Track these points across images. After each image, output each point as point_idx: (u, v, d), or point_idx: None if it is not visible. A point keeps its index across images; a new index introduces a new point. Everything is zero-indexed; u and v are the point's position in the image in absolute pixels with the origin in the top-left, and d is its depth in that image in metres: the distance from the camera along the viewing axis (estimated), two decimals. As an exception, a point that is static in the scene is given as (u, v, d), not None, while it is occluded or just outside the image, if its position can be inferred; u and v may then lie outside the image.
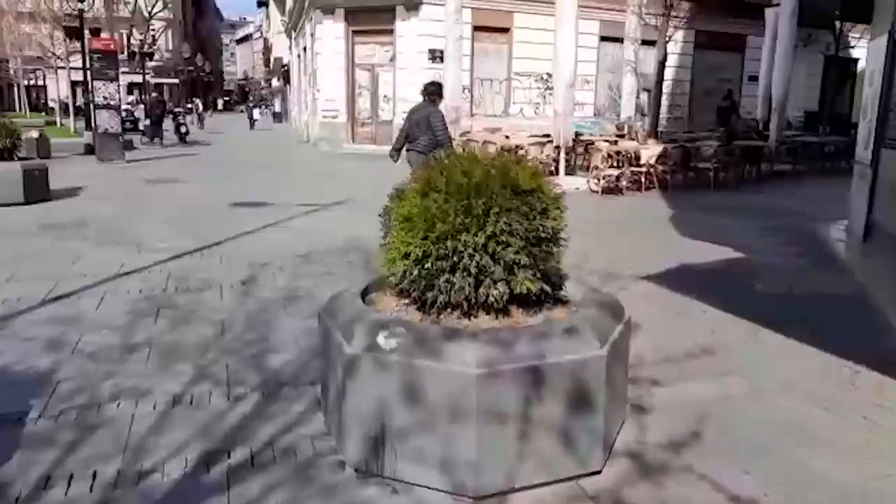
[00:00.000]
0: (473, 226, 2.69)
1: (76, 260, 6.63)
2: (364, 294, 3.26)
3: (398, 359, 2.55)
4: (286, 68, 43.03)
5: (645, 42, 20.78)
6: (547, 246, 2.86)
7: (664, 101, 22.65)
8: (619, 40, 21.08)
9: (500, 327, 2.76)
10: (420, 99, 8.32)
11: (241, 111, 53.13)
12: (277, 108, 52.68)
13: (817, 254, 7.44)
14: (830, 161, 16.05)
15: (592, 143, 13.72)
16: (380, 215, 3.33)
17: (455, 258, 2.72)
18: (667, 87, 22.90)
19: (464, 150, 3.48)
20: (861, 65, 29.58)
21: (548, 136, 16.77)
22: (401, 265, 2.83)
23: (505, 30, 20.61)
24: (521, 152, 13.65)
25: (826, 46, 26.98)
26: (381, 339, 2.61)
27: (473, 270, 2.71)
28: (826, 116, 25.40)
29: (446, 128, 8.05)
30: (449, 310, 2.86)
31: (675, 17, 19.99)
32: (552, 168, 13.77)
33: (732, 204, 10.94)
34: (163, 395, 3.59)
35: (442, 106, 15.51)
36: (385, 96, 20.47)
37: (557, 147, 12.70)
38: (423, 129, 7.96)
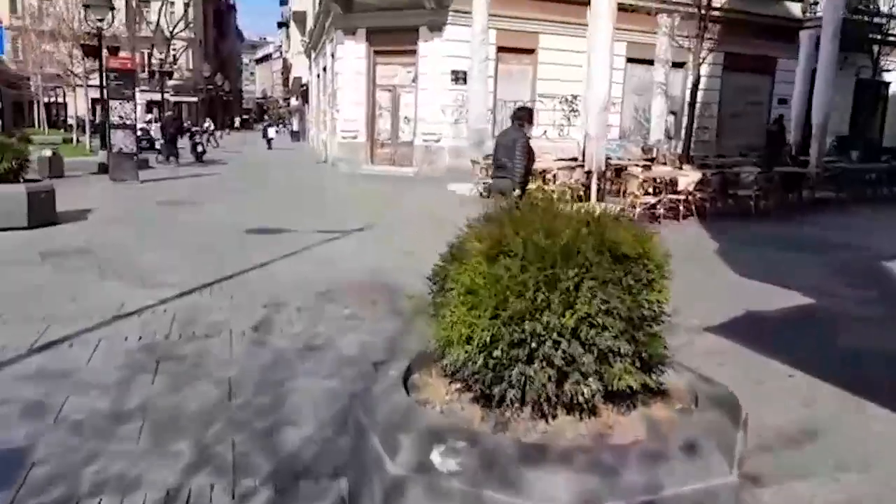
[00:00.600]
0: (560, 303, 2.03)
1: (73, 297, 6.02)
2: (407, 374, 2.58)
3: (461, 487, 1.87)
4: (305, 88, 42.83)
5: (673, 64, 20.21)
6: (650, 326, 2.18)
7: (695, 124, 22.01)
8: (646, 62, 20.53)
9: (590, 435, 2.08)
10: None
11: (259, 129, 53.00)
12: (295, 128, 52.50)
13: None
14: (872, 188, 15.27)
15: (625, 169, 13.05)
16: (428, 278, 2.65)
17: (533, 344, 2.05)
18: (698, 110, 22.26)
19: (541, 194, 2.81)
20: (893, 88, 28.85)
21: (574, 159, 16.16)
22: (461, 351, 2.15)
23: (530, 51, 20.05)
24: (548, 176, 13.02)
25: (858, 70, 26.23)
26: (436, 456, 1.94)
27: (558, 361, 2.04)
28: (858, 141, 24.61)
29: (526, 159, 7.67)
30: (517, 404, 2.18)
31: (707, 38, 19.42)
32: (580, 193, 13.13)
33: (781, 235, 10.19)
34: (154, 489, 2.93)
35: (465, 128, 14.94)
36: (406, 117, 19.94)
37: (589, 172, 12.02)
38: (512, 156, 7.61)
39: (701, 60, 17.33)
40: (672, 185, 11.16)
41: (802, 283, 6.87)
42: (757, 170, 12.58)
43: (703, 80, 22.62)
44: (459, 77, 18.88)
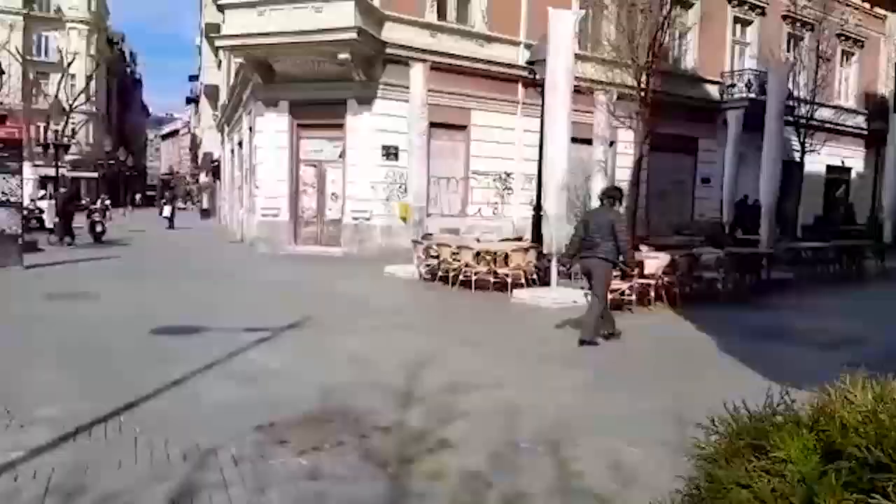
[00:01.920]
0: None
1: None
2: None
3: None
4: (216, 163, 40.91)
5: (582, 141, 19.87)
6: None
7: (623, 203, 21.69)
8: (583, 141, 20.19)
9: None
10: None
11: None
12: (206, 205, 50.07)
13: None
14: (822, 266, 14.96)
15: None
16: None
17: None
18: (626, 188, 22.02)
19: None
20: (810, 168, 30.03)
21: (519, 238, 15.18)
22: None
23: (462, 127, 19.31)
24: (499, 259, 11.87)
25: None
26: None
27: None
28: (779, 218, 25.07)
29: (628, 236, 7.90)
30: None
31: (630, 118, 19.30)
32: (533, 277, 12.01)
33: (772, 325, 9.28)
34: None
35: (411, 203, 13.62)
36: (333, 194, 18.56)
37: (545, 254, 10.94)
38: (605, 235, 7.58)
39: (645, 137, 16.95)
40: (639, 268, 10.17)
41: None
42: (718, 251, 11.87)
43: (630, 160, 22.56)
44: (391, 152, 17.83)
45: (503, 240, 14.69)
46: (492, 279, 11.65)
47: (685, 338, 8.35)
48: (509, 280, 11.42)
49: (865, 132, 30.77)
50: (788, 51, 28.34)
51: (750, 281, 12.74)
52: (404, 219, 17.49)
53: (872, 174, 31.52)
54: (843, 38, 29.35)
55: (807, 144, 24.89)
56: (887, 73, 31.67)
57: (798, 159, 29.44)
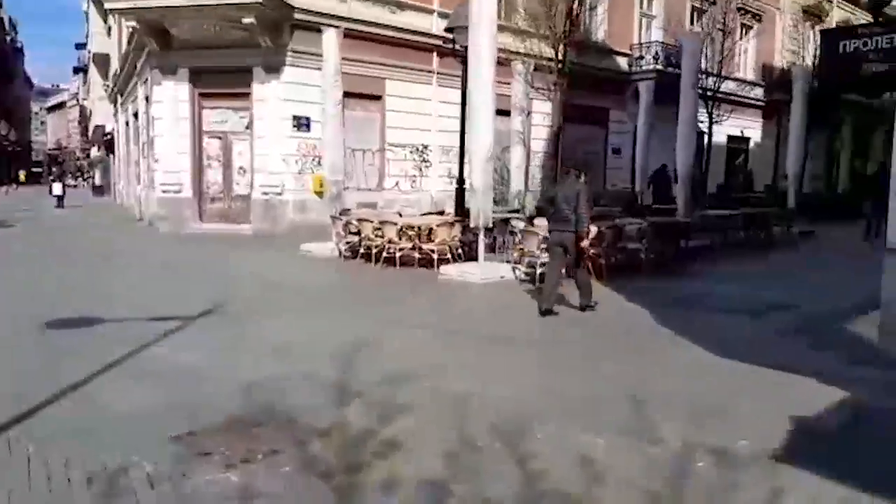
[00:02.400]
0: None
1: None
2: None
3: None
4: (109, 137, 38.21)
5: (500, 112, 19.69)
6: None
7: (537, 174, 21.71)
8: (500, 112, 19.94)
9: None
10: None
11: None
12: (98, 181, 46.95)
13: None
14: (732, 233, 15.33)
15: (507, 222, 11.81)
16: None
17: None
18: (538, 160, 22.05)
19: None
20: (713, 138, 31.01)
21: (441, 212, 14.76)
22: None
23: (377, 97, 18.59)
24: (425, 234, 11.41)
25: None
26: None
27: None
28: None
29: (590, 210, 8.10)
30: None
31: (548, 89, 19.20)
32: (459, 251, 11.65)
33: (699, 294, 9.30)
34: None
35: (328, 177, 12.88)
36: (241, 168, 17.51)
37: (474, 228, 10.58)
38: (574, 207, 7.74)
39: (562, 110, 16.84)
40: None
41: (790, 363, 5.74)
42: (640, 221, 11.87)
43: (545, 131, 22.53)
44: (302, 123, 16.95)
45: (425, 214, 14.24)
46: (417, 255, 11.19)
47: (621, 311, 8.20)
48: (435, 256, 11.00)
49: (763, 103, 32.05)
50: (692, 24, 29.05)
51: (670, 250, 12.83)
52: (319, 193, 16.75)
53: (771, 144, 33.04)
54: (742, 11, 30.34)
55: (713, 115, 25.65)
56: (783, 46, 33.01)
57: (706, 130, 30.54)
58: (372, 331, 6.90)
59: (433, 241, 11.15)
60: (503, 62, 17.90)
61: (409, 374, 5.36)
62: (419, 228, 11.26)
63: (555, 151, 17.56)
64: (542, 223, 11.59)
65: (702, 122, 29.96)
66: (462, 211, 13.49)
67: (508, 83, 18.29)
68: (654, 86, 20.81)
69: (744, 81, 30.25)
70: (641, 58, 25.85)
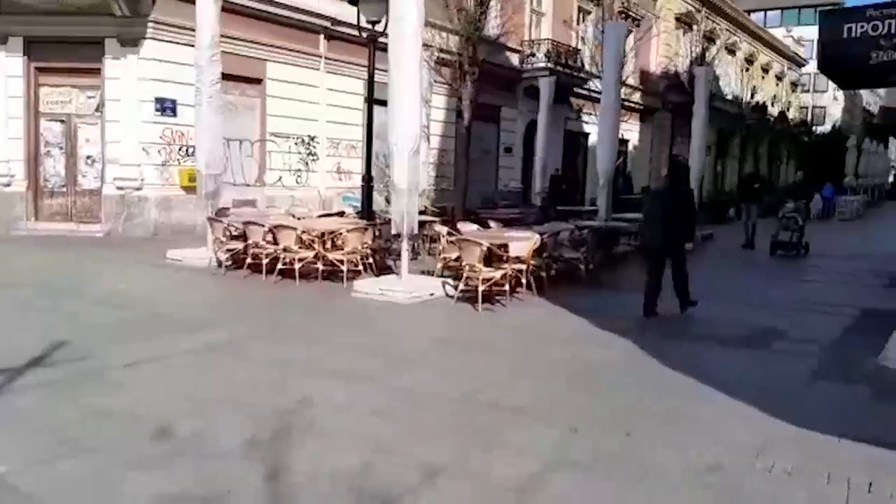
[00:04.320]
0: None
1: None
2: None
3: None
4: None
5: None
6: None
7: (432, 172, 20.24)
8: (384, 103, 18.15)
9: None
10: None
11: None
12: None
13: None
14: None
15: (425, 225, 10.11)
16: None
17: None
18: (433, 157, 20.55)
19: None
20: (592, 139, 30.93)
21: (341, 213, 12.88)
22: None
23: (256, 81, 16.26)
24: (334, 241, 9.49)
25: (565, 121, 27.50)
26: None
27: None
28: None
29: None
30: None
31: (446, 83, 17.89)
32: (370, 262, 9.83)
33: (669, 318, 8.07)
34: None
35: (202, 170, 11.00)
36: (89, 157, 14.60)
37: (395, 235, 8.84)
38: (681, 211, 7.66)
39: (470, 103, 15.46)
40: (503, 250, 8.41)
41: (845, 425, 4.48)
42: (572, 227, 10.63)
43: (440, 126, 21.09)
44: (167, 107, 14.36)
45: (323, 215, 12.24)
46: (320, 266, 9.24)
47: (582, 337, 6.74)
48: (344, 268, 9.11)
49: (641, 107, 32.42)
50: (577, 24, 28.73)
51: (599, 258, 11.70)
52: (188, 188, 14.27)
53: (647, 146, 33.61)
54: (623, 15, 30.46)
55: (594, 117, 25.33)
56: (657, 52, 33.64)
57: (588, 131, 30.39)
58: (285, 387, 4.97)
59: (342, 249, 9.24)
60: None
61: (382, 474, 3.55)
62: (324, 234, 9.31)
63: (465, 148, 16.03)
64: (468, 228, 10.07)
65: (586, 122, 30.06)
66: (369, 213, 11.71)
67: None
68: (559, 81, 19.94)
69: (624, 84, 30.09)
70: (533, 55, 25.05)
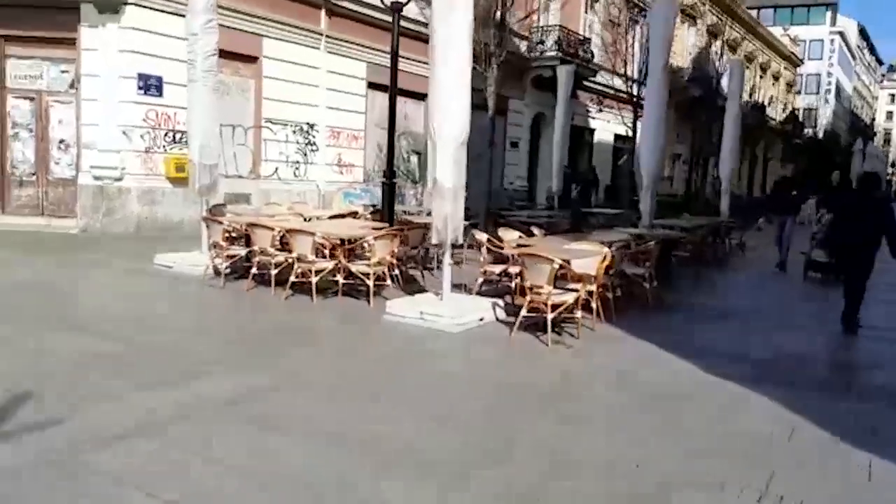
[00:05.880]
0: None
1: None
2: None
3: None
4: None
5: (409, 94, 16.55)
6: None
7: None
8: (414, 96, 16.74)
9: None
10: None
11: None
12: None
13: None
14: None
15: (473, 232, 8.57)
16: None
17: None
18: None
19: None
20: (601, 136, 29.56)
21: (355, 214, 11.36)
22: None
23: (252, 59, 14.58)
24: (358, 249, 7.93)
25: (572, 116, 26.00)
26: None
27: None
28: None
29: None
30: None
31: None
32: (395, 273, 8.29)
33: (780, 355, 6.65)
34: None
35: (196, 160, 9.27)
36: (62, 142, 12.84)
37: (435, 245, 7.35)
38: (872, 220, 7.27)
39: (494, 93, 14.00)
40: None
41: None
42: (625, 236, 9.21)
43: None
44: (151, 84, 12.65)
45: (334, 216, 10.65)
46: (341, 280, 7.70)
47: (713, 395, 5.28)
48: (371, 283, 7.58)
49: (642, 102, 31.06)
50: (586, 12, 27.32)
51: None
52: (175, 179, 12.62)
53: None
54: (630, 4, 29.09)
55: (598, 111, 24.00)
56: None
57: (594, 127, 29.03)
58: (357, 491, 3.45)
59: (368, 259, 7.70)
60: (423, 37, 14.74)
61: None
62: (346, 242, 7.76)
63: (489, 143, 14.54)
64: (510, 236, 8.61)
65: (592, 118, 28.69)
66: (389, 215, 10.20)
67: (423, 61, 15.08)
68: (576, 72, 18.48)
69: (624, 77, 28.61)
70: (542, 42, 23.57)
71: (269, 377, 5.06)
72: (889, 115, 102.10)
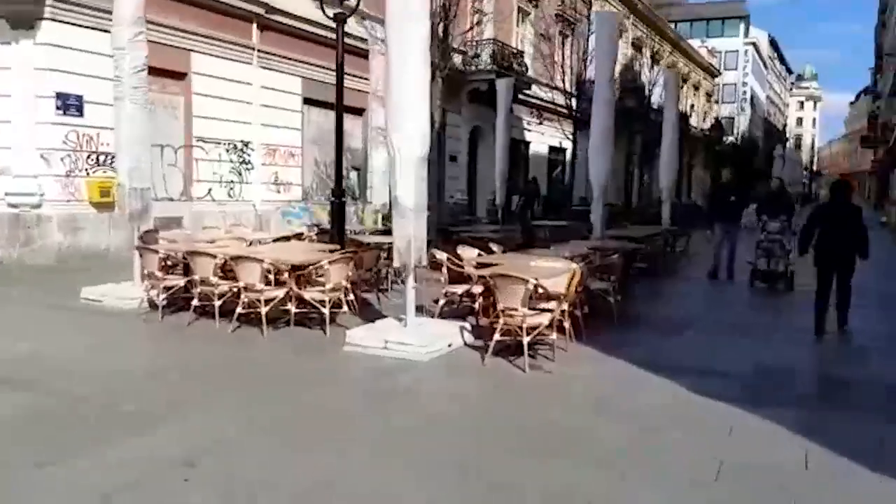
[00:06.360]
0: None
1: None
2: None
3: None
4: None
5: (347, 109, 16.07)
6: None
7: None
8: (325, 105, 16.09)
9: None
10: None
11: None
12: None
13: None
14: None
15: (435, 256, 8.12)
16: None
17: None
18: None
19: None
20: (536, 148, 29.61)
21: (300, 236, 10.77)
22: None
23: (180, 75, 13.80)
24: (311, 275, 7.37)
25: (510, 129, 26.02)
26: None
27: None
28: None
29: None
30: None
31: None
32: (349, 298, 7.77)
33: (758, 370, 6.45)
34: None
35: (126, 183, 8.70)
36: (-30, 167, 11.78)
37: (395, 269, 6.89)
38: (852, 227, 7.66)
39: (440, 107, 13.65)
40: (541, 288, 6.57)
41: None
42: (584, 249, 8.97)
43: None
44: (70, 104, 11.74)
45: (279, 238, 10.04)
46: (293, 309, 7.14)
47: (712, 423, 4.99)
48: (326, 310, 7.05)
49: (578, 115, 31.47)
50: (517, 25, 27.46)
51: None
52: (99, 205, 11.75)
53: (584, 155, 32.61)
54: (559, 18, 29.48)
55: (534, 124, 24.10)
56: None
57: (529, 139, 29.11)
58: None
59: (322, 285, 7.17)
60: (360, 52, 14.35)
61: None
62: (298, 268, 7.20)
63: (437, 157, 14.16)
64: (469, 254, 8.23)
65: (528, 130, 28.78)
66: (340, 237, 9.68)
67: (360, 76, 14.67)
68: (514, 84, 18.38)
69: (560, 90, 28.88)
70: (478, 56, 23.47)
71: (223, 426, 4.49)
72: (799, 120, 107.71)
